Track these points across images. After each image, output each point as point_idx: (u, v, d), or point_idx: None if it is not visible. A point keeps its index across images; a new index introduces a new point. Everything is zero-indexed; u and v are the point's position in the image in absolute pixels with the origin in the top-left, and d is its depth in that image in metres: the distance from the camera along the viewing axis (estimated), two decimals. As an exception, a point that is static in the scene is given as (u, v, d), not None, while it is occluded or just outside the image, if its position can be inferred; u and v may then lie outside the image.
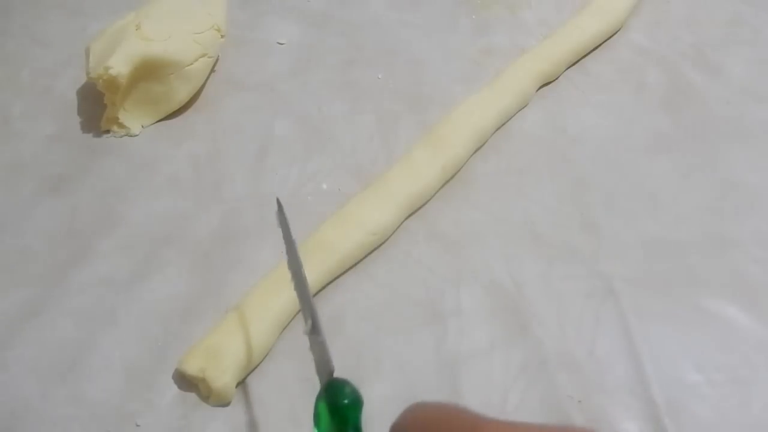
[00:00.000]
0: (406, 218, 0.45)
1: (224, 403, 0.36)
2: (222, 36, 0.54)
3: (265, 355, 0.38)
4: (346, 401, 0.27)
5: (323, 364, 0.29)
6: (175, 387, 0.37)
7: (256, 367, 0.38)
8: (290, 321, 0.40)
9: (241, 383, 0.37)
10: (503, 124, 0.52)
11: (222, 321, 0.38)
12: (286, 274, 0.40)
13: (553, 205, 0.47)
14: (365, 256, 0.43)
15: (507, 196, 0.47)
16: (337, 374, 0.35)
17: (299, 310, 0.40)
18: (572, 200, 0.47)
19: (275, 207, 0.47)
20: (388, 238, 0.44)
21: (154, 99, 0.51)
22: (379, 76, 0.56)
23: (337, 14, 0.62)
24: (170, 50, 0.49)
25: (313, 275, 0.40)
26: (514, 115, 0.52)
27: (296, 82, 0.55)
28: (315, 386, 0.37)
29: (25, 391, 0.36)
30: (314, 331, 0.30)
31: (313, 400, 0.37)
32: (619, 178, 0.48)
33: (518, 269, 0.43)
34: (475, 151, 0.49)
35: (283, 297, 0.39)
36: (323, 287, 0.41)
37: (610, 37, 0.60)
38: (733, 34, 0.61)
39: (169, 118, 0.52)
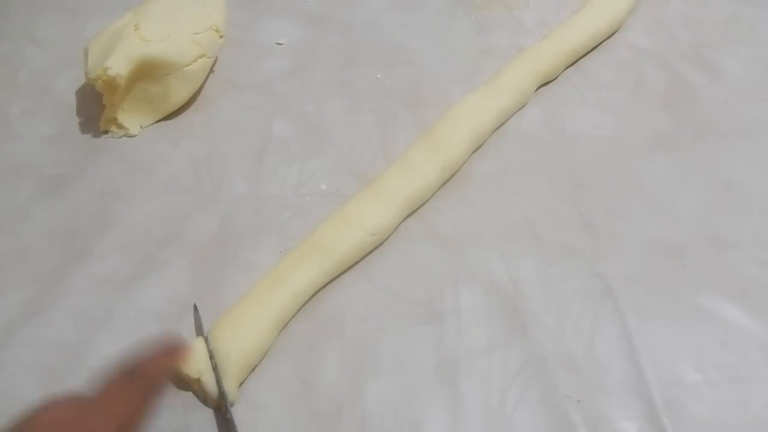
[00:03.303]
0: (405, 218, 0.45)
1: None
2: (221, 36, 0.54)
3: (264, 355, 0.38)
4: None
5: None
6: (173, 387, 0.37)
7: (255, 368, 0.38)
8: (289, 321, 0.40)
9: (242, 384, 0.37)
10: (502, 124, 0.52)
11: (220, 322, 0.38)
12: (285, 274, 0.40)
13: (551, 205, 0.47)
14: (364, 256, 0.43)
15: (506, 196, 0.47)
16: (335, 375, 0.35)
17: (298, 310, 0.40)
18: (571, 200, 0.47)
19: (274, 208, 0.47)
20: (387, 238, 0.44)
21: (153, 99, 0.51)
22: (378, 76, 0.56)
23: (336, 14, 0.62)
24: (169, 51, 0.49)
25: (312, 275, 0.40)
26: (513, 115, 0.53)
27: (295, 82, 0.56)
28: (314, 387, 0.37)
29: (24, 392, 0.36)
30: (226, 409, 0.35)
31: (311, 400, 0.37)
32: (617, 178, 0.48)
33: (517, 269, 0.43)
34: (474, 151, 0.49)
35: (282, 297, 0.39)
36: (322, 287, 0.41)
37: (609, 37, 0.60)
38: (731, 33, 0.61)
39: (168, 119, 0.52)
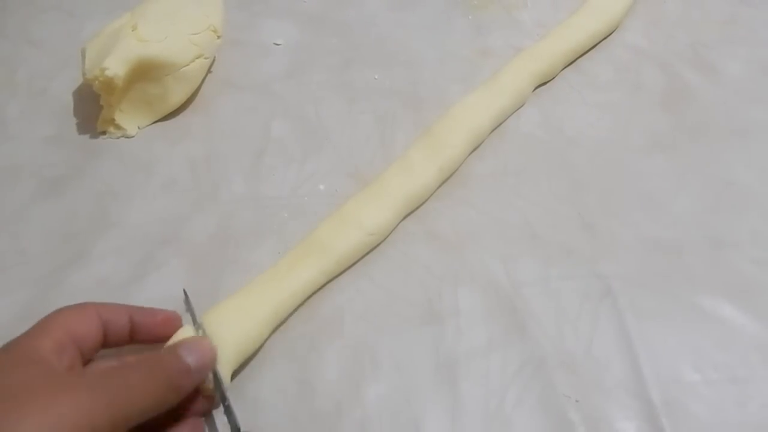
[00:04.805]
0: (404, 218, 0.45)
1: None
2: (218, 37, 0.54)
3: (258, 347, 0.38)
4: None
5: (232, 423, 0.34)
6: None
7: (248, 363, 0.38)
8: (286, 319, 0.40)
9: (235, 377, 0.37)
10: (500, 125, 0.52)
11: (214, 310, 0.37)
12: (284, 274, 0.40)
13: (550, 205, 0.47)
14: (363, 257, 0.43)
15: (504, 196, 0.47)
16: (334, 376, 0.35)
17: (296, 309, 0.40)
18: (569, 200, 0.47)
19: (272, 209, 0.47)
20: (385, 239, 0.44)
21: (151, 100, 0.51)
22: (376, 77, 0.56)
23: (334, 15, 0.62)
24: (166, 51, 0.49)
25: (310, 276, 0.40)
26: (511, 115, 0.53)
27: (293, 82, 0.55)
28: (313, 387, 0.37)
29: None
30: (223, 398, 0.35)
31: (310, 401, 0.37)
32: (616, 178, 0.49)
33: (516, 269, 0.43)
34: (472, 152, 0.49)
35: (279, 293, 0.39)
36: (321, 288, 0.41)
37: (607, 37, 0.60)
38: (729, 33, 0.61)
39: (166, 119, 0.52)
